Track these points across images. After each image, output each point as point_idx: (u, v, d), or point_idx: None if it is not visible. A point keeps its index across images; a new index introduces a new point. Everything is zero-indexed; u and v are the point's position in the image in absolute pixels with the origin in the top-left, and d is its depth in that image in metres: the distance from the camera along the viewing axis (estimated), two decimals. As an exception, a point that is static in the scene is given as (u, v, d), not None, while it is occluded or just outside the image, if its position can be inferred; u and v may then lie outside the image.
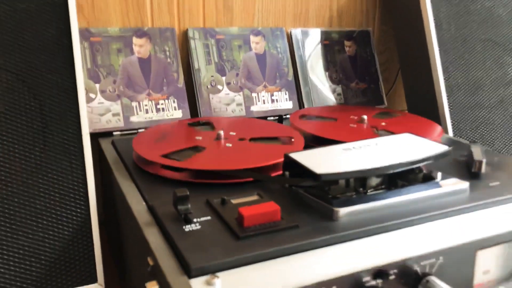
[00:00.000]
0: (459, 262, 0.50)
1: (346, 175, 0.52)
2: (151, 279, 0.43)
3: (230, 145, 0.66)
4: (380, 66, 1.05)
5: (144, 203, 0.54)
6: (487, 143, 0.92)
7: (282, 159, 0.59)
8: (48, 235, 0.58)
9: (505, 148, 0.93)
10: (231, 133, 0.71)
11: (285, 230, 0.47)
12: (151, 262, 0.44)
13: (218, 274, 0.41)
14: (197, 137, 0.69)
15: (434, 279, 0.47)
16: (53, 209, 0.58)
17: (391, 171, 0.53)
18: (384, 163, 0.53)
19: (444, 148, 0.58)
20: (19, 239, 0.56)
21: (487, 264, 0.52)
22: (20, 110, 0.58)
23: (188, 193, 0.49)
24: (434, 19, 0.91)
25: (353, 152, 0.57)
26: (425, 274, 0.48)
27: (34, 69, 0.59)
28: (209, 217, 0.49)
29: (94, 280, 0.59)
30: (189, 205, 0.49)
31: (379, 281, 0.45)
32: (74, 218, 0.59)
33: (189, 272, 0.41)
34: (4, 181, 0.56)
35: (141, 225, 0.49)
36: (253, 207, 0.48)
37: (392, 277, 0.46)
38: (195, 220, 0.48)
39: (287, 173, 0.57)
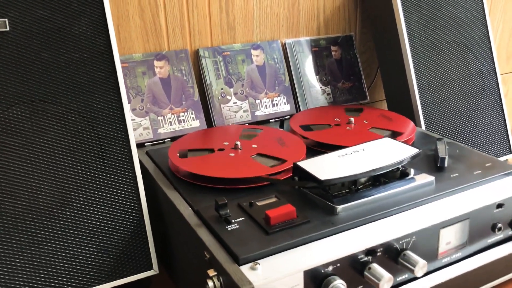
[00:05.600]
0: (427, 238, 0.68)
1: (343, 179, 0.69)
2: (209, 267, 0.61)
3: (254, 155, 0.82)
4: (362, 64, 1.21)
5: (189, 208, 0.71)
6: (455, 131, 1.10)
7: (291, 165, 0.76)
8: (113, 235, 0.74)
9: (470, 134, 1.12)
10: (252, 144, 0.87)
11: (301, 225, 0.64)
12: (207, 255, 0.61)
13: (258, 261, 0.58)
14: (220, 148, 0.85)
15: (409, 252, 0.65)
16: (115, 215, 0.74)
17: (376, 173, 0.71)
18: (371, 167, 0.70)
19: (415, 151, 0.75)
20: (93, 240, 0.73)
21: (448, 238, 0.70)
22: (82, 140, 0.73)
23: (226, 201, 0.66)
24: (406, 26, 1.07)
25: (346, 158, 0.74)
26: (403, 249, 0.66)
27: (90, 106, 0.74)
28: (242, 218, 0.66)
29: (150, 267, 0.76)
30: (228, 210, 0.66)
31: (370, 257, 0.63)
32: (131, 220, 0.76)
33: (238, 261, 0.58)
34: (77, 197, 0.72)
35: (193, 227, 0.66)
36: (276, 210, 0.64)
37: (379, 253, 0.64)
38: (233, 221, 0.65)
39: (296, 178, 0.74)
